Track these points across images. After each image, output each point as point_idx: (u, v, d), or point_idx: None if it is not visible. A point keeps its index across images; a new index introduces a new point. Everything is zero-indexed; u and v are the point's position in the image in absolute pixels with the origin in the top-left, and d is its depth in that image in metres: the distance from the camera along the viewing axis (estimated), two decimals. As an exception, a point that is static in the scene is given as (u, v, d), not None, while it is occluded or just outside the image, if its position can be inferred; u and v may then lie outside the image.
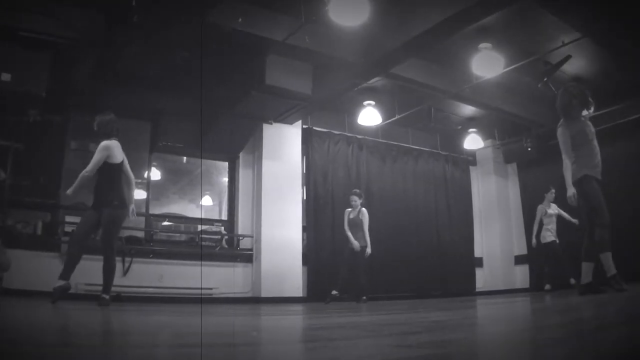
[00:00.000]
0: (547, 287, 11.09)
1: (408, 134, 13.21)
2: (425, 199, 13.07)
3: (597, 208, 6.18)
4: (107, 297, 6.52)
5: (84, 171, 6.67)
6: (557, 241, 11.10)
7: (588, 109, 6.57)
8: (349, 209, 10.35)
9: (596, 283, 6.21)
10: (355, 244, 9.99)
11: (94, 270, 8.59)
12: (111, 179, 6.73)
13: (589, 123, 6.56)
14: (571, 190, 6.24)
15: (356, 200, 10.31)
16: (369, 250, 10.09)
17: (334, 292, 9.73)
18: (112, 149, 6.79)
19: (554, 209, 11.28)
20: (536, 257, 12.07)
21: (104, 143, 6.78)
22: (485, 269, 13.66)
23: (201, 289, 9.31)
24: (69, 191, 6.82)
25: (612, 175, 11.21)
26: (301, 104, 10.02)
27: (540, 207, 11.32)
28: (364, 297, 9.87)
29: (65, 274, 6.44)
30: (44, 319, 4.53)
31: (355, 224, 10.21)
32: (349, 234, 10.14)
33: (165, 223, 11.22)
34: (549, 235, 11.13)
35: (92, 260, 8.67)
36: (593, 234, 6.20)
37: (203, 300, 9.36)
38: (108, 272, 6.61)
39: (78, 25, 7.84)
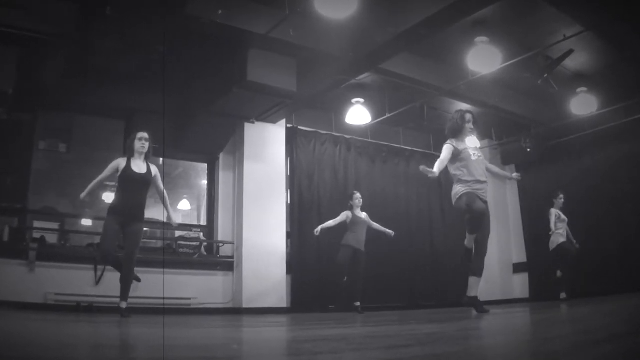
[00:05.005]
0: (563, 295, 10.65)
1: (399, 134, 13.22)
2: (418, 203, 13.08)
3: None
4: (125, 305, 6.90)
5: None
6: (574, 242, 10.97)
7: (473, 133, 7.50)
8: (348, 211, 10.19)
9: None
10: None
11: (67, 279, 8.60)
12: (145, 196, 7.28)
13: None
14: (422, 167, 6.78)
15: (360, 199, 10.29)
16: None
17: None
18: None
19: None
20: (540, 264, 12.11)
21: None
22: (482, 277, 13.66)
23: (165, 298, 9.29)
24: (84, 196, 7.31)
25: (616, 176, 11.42)
26: (285, 102, 9.97)
27: (553, 211, 10.94)
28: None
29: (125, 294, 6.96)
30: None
31: (362, 225, 10.17)
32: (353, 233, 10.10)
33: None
34: (561, 237, 10.88)
35: (66, 269, 8.68)
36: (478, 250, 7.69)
37: (180, 312, 9.34)
38: (127, 283, 7.00)
39: (47, 19, 7.80)
